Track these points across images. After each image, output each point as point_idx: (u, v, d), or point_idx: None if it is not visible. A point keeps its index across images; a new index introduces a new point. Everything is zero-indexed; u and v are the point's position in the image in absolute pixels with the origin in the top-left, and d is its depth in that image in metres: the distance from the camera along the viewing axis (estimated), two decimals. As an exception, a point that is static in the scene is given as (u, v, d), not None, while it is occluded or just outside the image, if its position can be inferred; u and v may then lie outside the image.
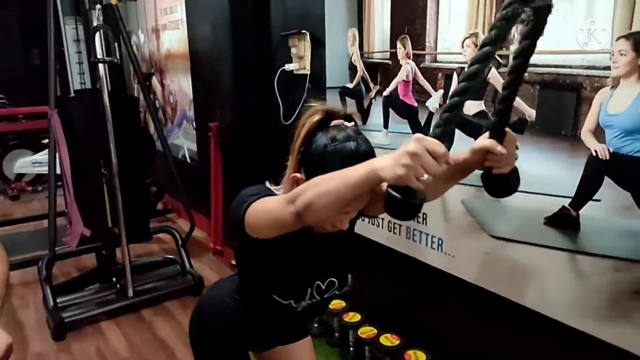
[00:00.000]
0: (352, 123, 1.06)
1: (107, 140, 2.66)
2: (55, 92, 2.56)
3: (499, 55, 1.72)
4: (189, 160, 4.31)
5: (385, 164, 0.76)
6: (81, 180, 2.72)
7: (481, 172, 1.02)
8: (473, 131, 1.86)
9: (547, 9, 0.78)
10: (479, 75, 0.78)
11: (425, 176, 0.75)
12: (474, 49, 1.79)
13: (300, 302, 1.22)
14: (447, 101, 0.80)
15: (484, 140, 0.95)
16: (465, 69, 0.79)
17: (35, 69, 6.63)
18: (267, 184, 1.17)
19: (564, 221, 1.60)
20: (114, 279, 3.06)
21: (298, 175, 1.05)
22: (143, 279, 3.14)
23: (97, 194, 2.79)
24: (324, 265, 1.24)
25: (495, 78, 1.73)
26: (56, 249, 2.88)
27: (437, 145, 0.74)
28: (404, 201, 0.77)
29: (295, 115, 2.62)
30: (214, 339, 1.36)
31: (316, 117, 1.03)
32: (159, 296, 3.03)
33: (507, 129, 0.94)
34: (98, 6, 2.54)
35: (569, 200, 1.57)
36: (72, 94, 2.82)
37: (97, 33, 2.48)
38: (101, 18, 2.56)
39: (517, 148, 0.97)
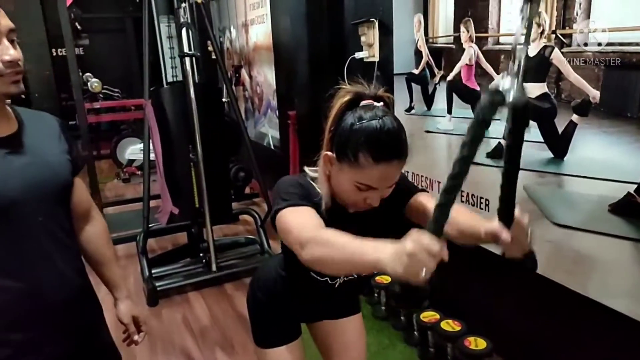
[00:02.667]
0: (381, 103, 1.08)
1: (193, 128, 2.92)
2: (149, 84, 2.86)
3: (562, 35, 1.64)
4: (272, 147, 4.54)
5: (389, 258, 0.80)
6: (171, 164, 3.02)
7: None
8: (535, 115, 1.80)
9: (524, 109, 0.75)
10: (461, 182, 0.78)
11: (424, 272, 0.77)
12: (536, 28, 1.72)
13: (335, 279, 1.28)
14: (439, 197, 0.80)
15: (492, 225, 0.93)
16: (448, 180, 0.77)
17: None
18: (306, 169, 1.24)
19: (629, 208, 1.50)
20: (201, 254, 3.36)
21: (329, 153, 1.09)
22: (226, 256, 3.41)
23: (185, 176, 3.07)
24: None
25: (558, 59, 1.66)
26: (152, 225, 3.23)
27: (432, 245, 0.76)
28: (404, 296, 0.83)
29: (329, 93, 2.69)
30: (264, 309, 1.47)
31: (346, 98, 1.07)
32: (239, 272, 3.26)
33: (518, 216, 0.91)
34: (184, 4, 2.78)
35: (635, 186, 1.47)
36: (165, 86, 3.12)
37: (183, 29, 2.73)
38: (187, 16, 2.81)
39: (527, 236, 0.93)
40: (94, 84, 6.14)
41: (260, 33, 4.36)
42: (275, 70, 4.17)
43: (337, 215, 1.19)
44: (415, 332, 2.47)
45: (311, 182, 1.19)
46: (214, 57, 4.50)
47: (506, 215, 0.90)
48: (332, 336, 1.55)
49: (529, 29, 0.76)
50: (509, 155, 0.85)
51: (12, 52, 0.97)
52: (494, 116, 0.74)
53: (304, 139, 3.49)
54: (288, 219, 1.07)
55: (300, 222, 1.05)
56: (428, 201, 1.20)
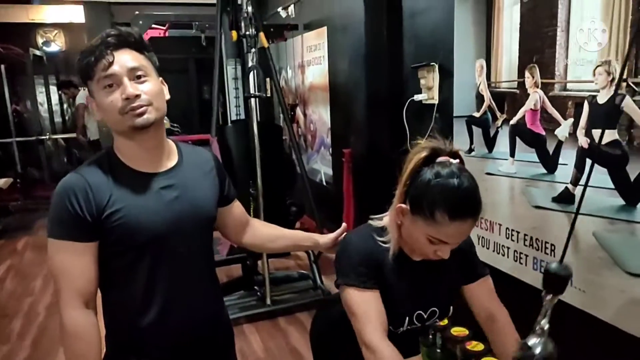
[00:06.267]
0: (457, 160, 1.12)
1: (254, 164, 3.04)
2: (217, 122, 3.03)
3: (634, 83, 1.65)
4: (325, 183, 4.63)
5: None
6: (233, 198, 3.14)
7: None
8: (606, 161, 1.79)
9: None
10: None
11: None
12: (606, 77, 1.74)
13: (398, 328, 1.29)
14: None
15: None
16: None
17: (205, 102, 7.73)
18: (370, 221, 1.29)
19: None
20: (255, 287, 3.43)
21: (403, 205, 1.14)
22: (280, 290, 3.47)
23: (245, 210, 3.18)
24: (426, 293, 1.28)
25: (630, 106, 1.66)
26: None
27: None
28: None
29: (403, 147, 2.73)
30: (329, 345, 1.51)
31: (423, 154, 1.11)
32: (293, 307, 3.31)
33: None
34: (253, 50, 2.96)
35: None
36: (229, 124, 3.29)
37: (251, 72, 2.90)
38: (255, 59, 2.98)
39: None
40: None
41: (316, 74, 4.53)
42: (330, 109, 4.30)
43: (402, 262, 1.24)
44: (474, 379, 2.41)
45: (375, 236, 1.23)
46: (268, 95, 4.69)
47: None
48: None
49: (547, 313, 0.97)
50: None
51: (128, 90, 1.07)
52: None
53: (358, 177, 3.56)
54: (352, 304, 1.17)
55: (363, 312, 1.15)
56: (488, 293, 1.35)
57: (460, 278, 1.33)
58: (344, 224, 1.36)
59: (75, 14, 7.17)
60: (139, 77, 1.11)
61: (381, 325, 1.15)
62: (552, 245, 2.03)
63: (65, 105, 7.65)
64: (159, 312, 1.17)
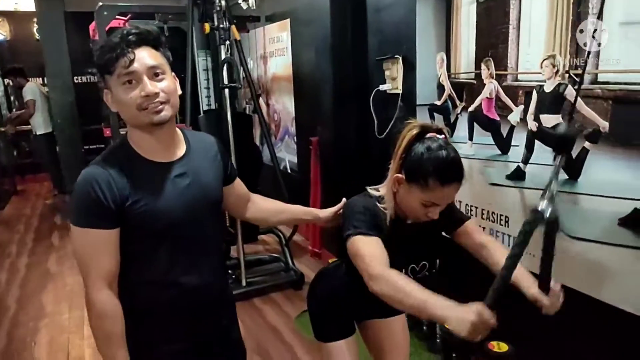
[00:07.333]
0: (443, 135, 1.34)
1: (229, 152, 3.16)
2: (191, 112, 3.13)
3: (574, 75, 1.93)
4: (289, 170, 4.80)
5: (455, 321, 1.04)
6: (208, 185, 3.26)
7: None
8: (551, 142, 2.07)
9: (555, 222, 1.01)
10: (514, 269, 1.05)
11: (480, 336, 1.03)
12: (551, 69, 2.01)
13: None
14: (497, 278, 1.05)
15: (535, 290, 1.20)
16: (506, 262, 1.05)
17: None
18: (368, 189, 1.48)
19: (637, 221, 1.76)
20: (229, 271, 3.56)
21: (399, 175, 1.34)
22: (253, 272, 3.62)
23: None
24: (418, 250, 1.50)
25: (571, 94, 1.94)
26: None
27: (490, 320, 1.03)
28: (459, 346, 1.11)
29: (388, 129, 2.95)
30: (327, 309, 1.70)
31: (414, 131, 1.32)
32: (267, 287, 3.48)
33: (554, 285, 1.17)
34: (227, 42, 3.07)
35: (641, 202, 1.73)
36: (201, 114, 3.38)
37: (225, 64, 3.01)
38: (229, 52, 3.09)
39: (559, 300, 1.20)
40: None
41: (279, 65, 4.66)
42: (294, 99, 4.45)
43: (397, 224, 1.44)
44: (438, 340, 2.67)
45: (375, 202, 1.42)
46: (239, 87, 4.80)
47: (544, 286, 1.17)
48: (383, 335, 1.78)
49: (557, 174, 1.05)
50: (545, 246, 1.07)
51: (148, 88, 1.13)
52: (536, 228, 1.01)
53: (326, 164, 3.75)
54: (358, 247, 1.32)
55: (369, 252, 1.29)
56: (474, 231, 1.51)
57: (449, 227, 1.52)
58: (343, 199, 1.53)
59: (21, 2, 6.91)
60: (156, 74, 1.16)
61: (385, 262, 1.27)
62: (505, 217, 2.31)
63: (12, 98, 7.35)
64: (174, 292, 1.27)
